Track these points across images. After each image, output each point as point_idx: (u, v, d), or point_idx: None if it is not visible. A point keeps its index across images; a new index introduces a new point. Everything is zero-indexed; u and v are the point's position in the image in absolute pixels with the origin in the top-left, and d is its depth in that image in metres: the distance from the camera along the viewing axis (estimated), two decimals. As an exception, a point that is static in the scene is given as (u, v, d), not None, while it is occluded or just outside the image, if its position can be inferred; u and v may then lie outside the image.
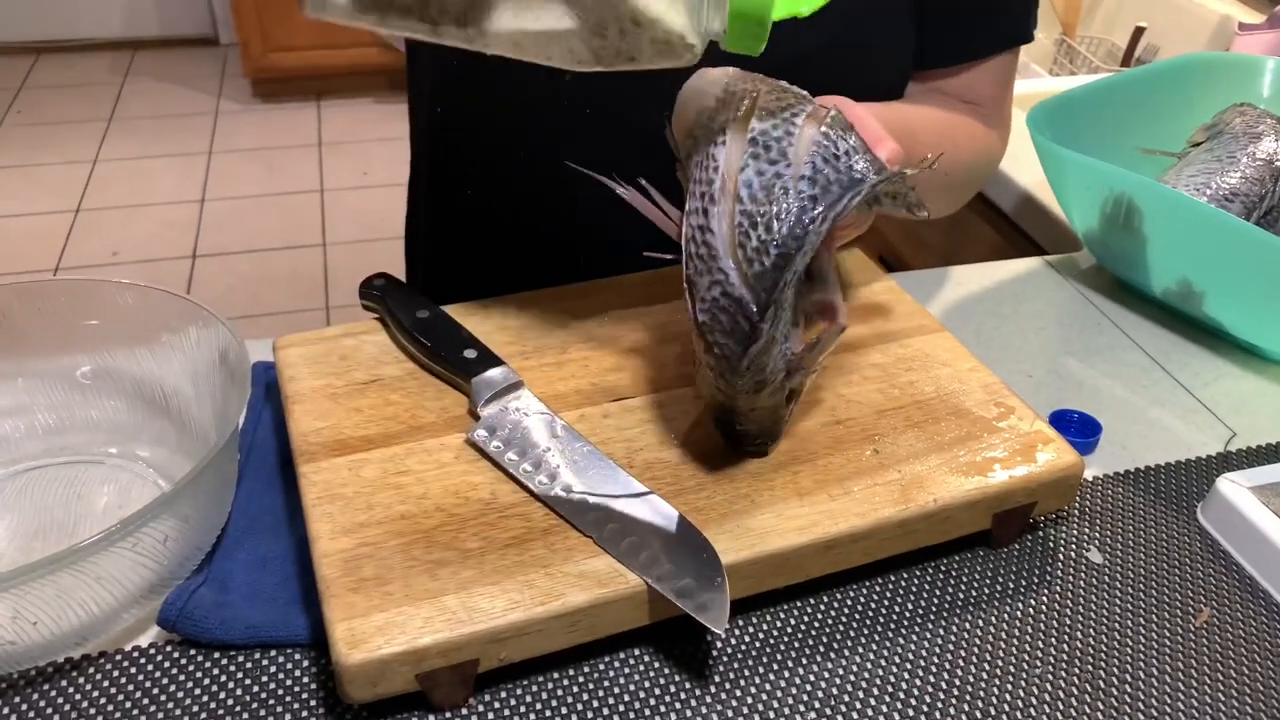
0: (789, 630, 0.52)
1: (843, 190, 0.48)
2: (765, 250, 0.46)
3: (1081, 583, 0.56)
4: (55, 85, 3.22)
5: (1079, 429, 0.65)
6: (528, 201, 0.77)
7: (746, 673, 0.50)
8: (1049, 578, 0.56)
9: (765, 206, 0.47)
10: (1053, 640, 0.53)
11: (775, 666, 0.50)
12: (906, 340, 0.64)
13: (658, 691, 0.49)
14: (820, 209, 0.47)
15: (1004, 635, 0.53)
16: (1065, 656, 0.52)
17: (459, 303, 0.64)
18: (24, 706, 0.47)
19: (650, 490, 0.51)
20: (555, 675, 0.49)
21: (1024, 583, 0.56)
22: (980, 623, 0.53)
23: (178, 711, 0.47)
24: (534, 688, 0.48)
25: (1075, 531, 0.59)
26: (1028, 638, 0.53)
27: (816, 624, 0.52)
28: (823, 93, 0.56)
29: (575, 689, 0.49)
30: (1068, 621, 0.54)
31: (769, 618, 0.52)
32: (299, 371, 0.59)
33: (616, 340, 0.63)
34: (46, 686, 0.48)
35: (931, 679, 0.50)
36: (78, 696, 0.47)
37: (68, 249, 2.47)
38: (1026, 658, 0.52)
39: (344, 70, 3.10)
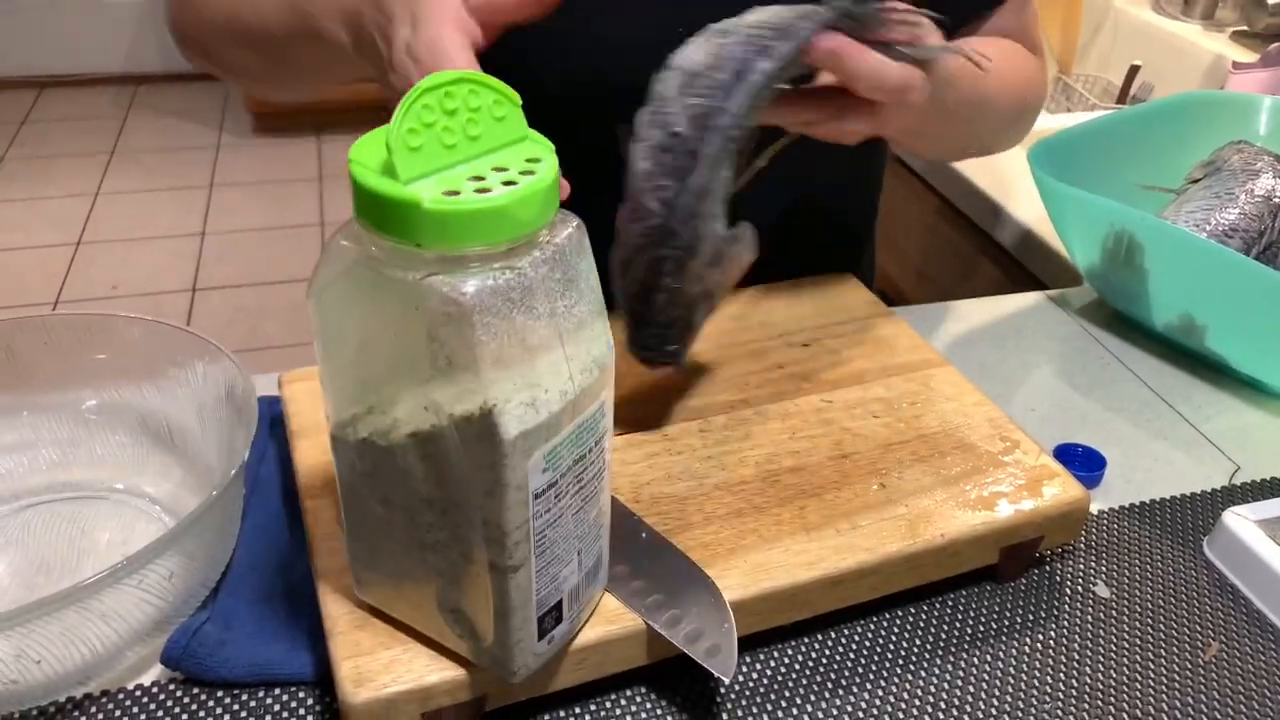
0: (795, 667, 0.52)
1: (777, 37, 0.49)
2: (704, 104, 0.49)
3: (1089, 617, 0.56)
4: (58, 119, 3.25)
5: (1083, 463, 0.65)
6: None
7: (755, 710, 0.49)
8: (1056, 612, 0.56)
9: (710, 71, 0.49)
10: (1061, 675, 0.52)
11: (783, 704, 0.50)
12: (910, 375, 0.64)
13: (665, 729, 0.48)
14: (759, 53, 0.49)
15: (1011, 670, 0.52)
16: (1074, 692, 0.51)
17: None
18: (26, 745, 0.47)
19: (656, 531, 0.51)
20: (560, 713, 0.49)
21: (1031, 617, 0.55)
22: (988, 658, 0.53)
23: (181, 750, 0.46)
24: (540, 726, 0.48)
25: (1081, 565, 0.59)
26: (1035, 673, 0.52)
27: (824, 661, 0.52)
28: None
29: (582, 727, 0.48)
30: (1075, 656, 0.53)
31: (775, 654, 0.52)
32: (305, 406, 0.59)
33: (622, 376, 0.62)
34: (49, 725, 0.47)
35: (940, 715, 0.50)
36: (80, 735, 0.47)
37: (68, 282, 2.48)
38: (1035, 693, 0.51)
39: (344, 105, 3.12)
